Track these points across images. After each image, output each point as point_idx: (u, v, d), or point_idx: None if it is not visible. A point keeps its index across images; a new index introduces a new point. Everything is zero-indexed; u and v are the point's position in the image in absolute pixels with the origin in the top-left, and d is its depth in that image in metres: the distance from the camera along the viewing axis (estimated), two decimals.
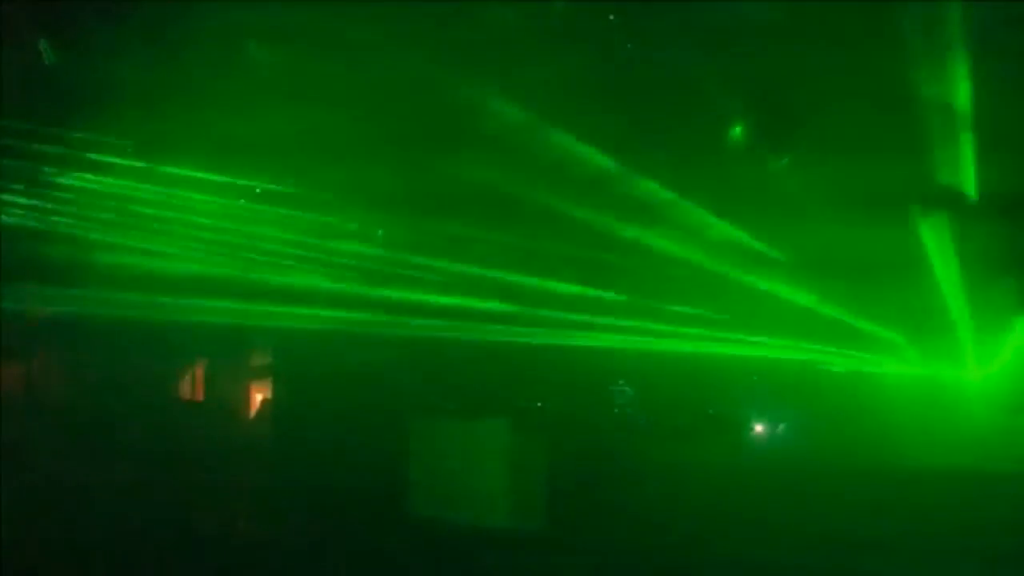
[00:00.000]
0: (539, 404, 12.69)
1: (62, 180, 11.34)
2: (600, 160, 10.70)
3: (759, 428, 12.64)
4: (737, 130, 10.37)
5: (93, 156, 11.11)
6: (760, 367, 11.96)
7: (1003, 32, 8.80)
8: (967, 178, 10.70)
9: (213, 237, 11.74)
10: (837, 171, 10.63)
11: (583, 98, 10.13)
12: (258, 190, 11.86)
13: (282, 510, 11.33)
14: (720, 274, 11.50)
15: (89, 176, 11.28)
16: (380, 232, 12.04)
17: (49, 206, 11.47)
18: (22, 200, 11.40)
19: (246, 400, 13.52)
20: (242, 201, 11.84)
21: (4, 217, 11.33)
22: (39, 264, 11.44)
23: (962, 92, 9.42)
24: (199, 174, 11.29)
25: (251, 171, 11.46)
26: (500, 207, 11.13)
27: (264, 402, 13.51)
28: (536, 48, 9.66)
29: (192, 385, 13.45)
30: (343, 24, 9.47)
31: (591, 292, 11.85)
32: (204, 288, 11.56)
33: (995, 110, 9.44)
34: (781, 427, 12.64)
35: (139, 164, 11.21)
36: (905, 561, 9.49)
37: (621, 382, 12.95)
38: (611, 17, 10.04)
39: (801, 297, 11.69)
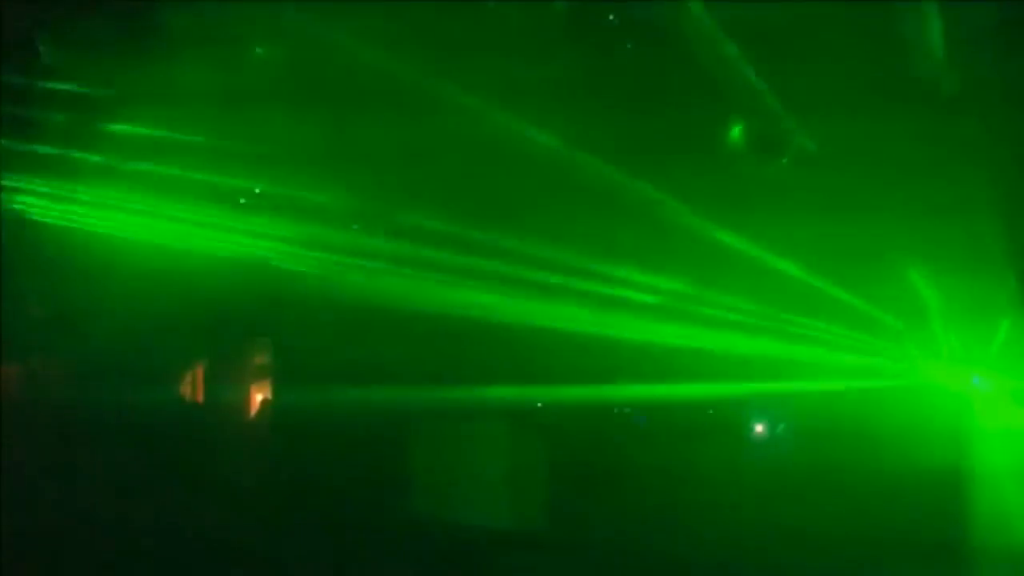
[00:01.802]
0: (539, 404, 12.68)
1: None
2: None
3: (759, 428, 12.62)
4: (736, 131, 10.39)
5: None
6: (760, 368, 11.95)
7: None
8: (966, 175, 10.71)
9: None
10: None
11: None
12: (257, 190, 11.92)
13: (281, 510, 11.32)
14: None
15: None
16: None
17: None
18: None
19: (246, 400, 13.52)
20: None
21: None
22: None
23: None
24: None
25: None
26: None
27: (264, 402, 13.52)
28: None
29: (192, 385, 13.44)
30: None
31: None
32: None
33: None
34: (781, 427, 12.62)
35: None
36: (905, 561, 9.50)
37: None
38: (611, 17, 10.06)
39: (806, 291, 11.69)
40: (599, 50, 10.01)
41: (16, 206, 11.50)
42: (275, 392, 13.38)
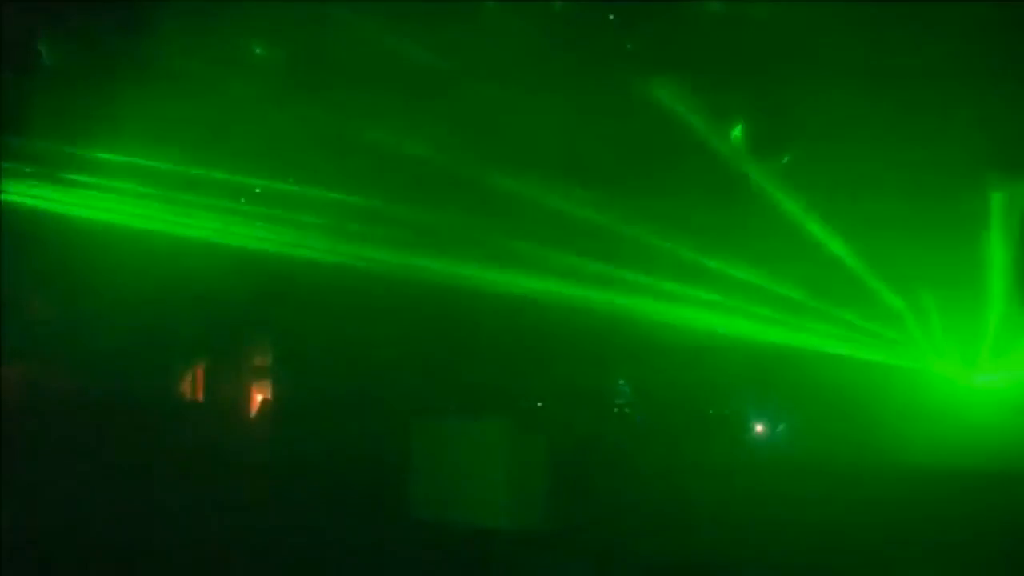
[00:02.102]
0: (539, 404, 12.67)
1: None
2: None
3: (759, 428, 12.61)
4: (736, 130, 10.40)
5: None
6: (760, 365, 11.93)
7: None
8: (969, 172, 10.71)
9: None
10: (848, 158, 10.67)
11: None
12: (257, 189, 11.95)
13: (281, 510, 11.33)
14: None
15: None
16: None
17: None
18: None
19: (246, 400, 13.54)
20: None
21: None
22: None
23: None
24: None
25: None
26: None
27: (264, 402, 13.53)
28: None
29: (192, 385, 13.45)
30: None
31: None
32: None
33: None
34: (781, 427, 12.61)
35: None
36: (904, 561, 9.49)
37: (621, 382, 12.93)
38: (611, 17, 10.08)
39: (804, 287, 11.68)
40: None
41: (16, 207, 11.52)
42: (275, 391, 13.40)
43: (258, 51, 10.81)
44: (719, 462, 11.75)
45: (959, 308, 11.32)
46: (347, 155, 11.06)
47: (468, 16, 9.72)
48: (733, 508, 10.69)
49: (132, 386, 12.04)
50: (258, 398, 13.59)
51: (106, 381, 11.94)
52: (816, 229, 11.25)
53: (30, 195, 11.51)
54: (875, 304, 11.70)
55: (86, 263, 11.70)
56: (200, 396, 13.49)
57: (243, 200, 11.98)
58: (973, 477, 10.36)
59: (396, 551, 10.18)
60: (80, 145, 11.27)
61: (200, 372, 13.48)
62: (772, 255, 11.45)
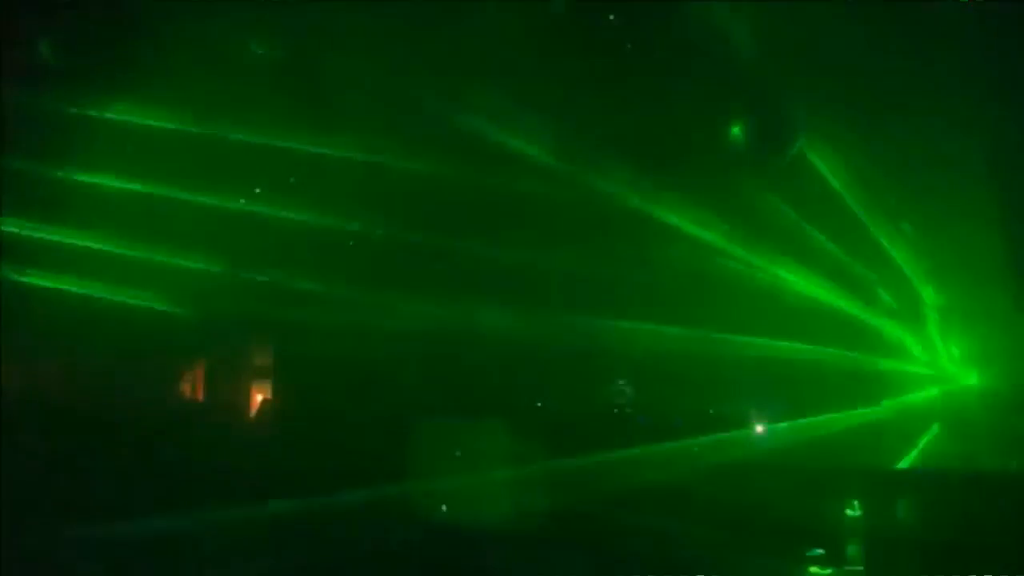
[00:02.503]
0: (539, 404, 12.69)
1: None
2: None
3: (759, 428, 12.63)
4: (736, 131, 10.41)
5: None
6: (761, 366, 11.94)
7: None
8: (968, 178, 10.73)
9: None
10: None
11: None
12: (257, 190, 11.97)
13: (281, 510, 11.33)
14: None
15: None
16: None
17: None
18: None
19: (246, 400, 13.55)
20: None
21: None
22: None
23: None
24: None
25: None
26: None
27: (264, 402, 13.54)
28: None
29: (192, 385, 13.46)
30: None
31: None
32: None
33: None
34: (783, 427, 12.63)
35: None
36: (904, 562, 9.50)
37: (621, 382, 12.93)
38: (611, 17, 10.09)
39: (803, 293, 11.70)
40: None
41: (16, 204, 11.54)
42: (275, 392, 13.42)
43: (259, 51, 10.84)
44: (719, 462, 11.77)
45: (957, 310, 11.37)
46: (348, 157, 11.10)
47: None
48: (733, 507, 10.71)
49: (132, 387, 12.06)
50: (258, 398, 13.60)
51: (106, 382, 11.96)
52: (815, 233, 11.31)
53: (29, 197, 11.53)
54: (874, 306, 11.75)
55: (86, 263, 11.74)
56: (200, 396, 13.50)
57: (243, 201, 12.00)
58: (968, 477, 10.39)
59: (395, 551, 10.18)
60: (78, 149, 11.29)
61: (200, 372, 13.49)
62: (773, 255, 11.50)
